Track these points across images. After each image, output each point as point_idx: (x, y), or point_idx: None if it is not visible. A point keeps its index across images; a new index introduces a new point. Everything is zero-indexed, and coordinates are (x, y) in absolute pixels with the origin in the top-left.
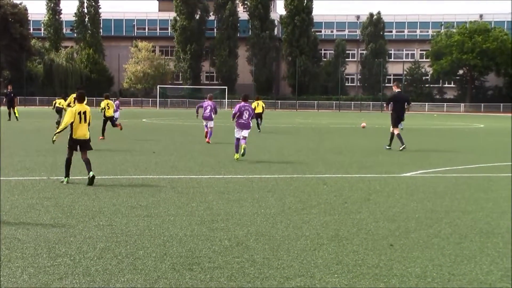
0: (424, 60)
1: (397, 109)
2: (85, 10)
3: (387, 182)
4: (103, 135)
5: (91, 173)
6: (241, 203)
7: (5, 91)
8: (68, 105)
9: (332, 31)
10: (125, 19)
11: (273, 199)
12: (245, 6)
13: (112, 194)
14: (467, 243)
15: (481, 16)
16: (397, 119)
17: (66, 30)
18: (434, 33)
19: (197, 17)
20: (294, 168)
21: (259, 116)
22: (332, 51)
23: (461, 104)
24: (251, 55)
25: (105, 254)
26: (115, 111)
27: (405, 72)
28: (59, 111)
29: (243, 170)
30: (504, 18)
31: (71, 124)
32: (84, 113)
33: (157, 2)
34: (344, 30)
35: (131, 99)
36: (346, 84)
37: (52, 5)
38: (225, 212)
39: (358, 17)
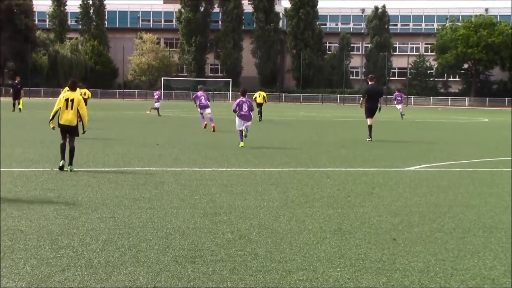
0: (429, 53)
1: (370, 101)
2: (90, 2)
3: (390, 176)
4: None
5: (69, 167)
6: (244, 196)
7: (12, 82)
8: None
9: (337, 24)
10: (130, 11)
11: (276, 192)
12: None
13: (115, 186)
14: (470, 237)
15: (486, 10)
16: (369, 111)
17: (71, 22)
18: (439, 27)
19: (202, 9)
20: (297, 161)
21: (260, 105)
22: (337, 44)
23: (466, 98)
24: (256, 48)
25: (107, 246)
26: (156, 101)
27: (409, 66)
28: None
29: (246, 163)
30: (509, 12)
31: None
32: (72, 100)
33: None
34: (349, 23)
35: (136, 91)
36: (351, 77)
37: None
38: (228, 205)
39: (363, 10)
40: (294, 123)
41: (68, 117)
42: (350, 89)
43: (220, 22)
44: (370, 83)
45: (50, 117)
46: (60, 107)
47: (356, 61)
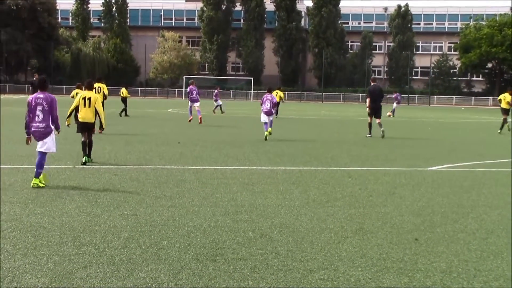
0: (452, 53)
1: (372, 100)
2: (113, 0)
3: (412, 176)
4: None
5: (85, 158)
6: (266, 194)
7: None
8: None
9: (359, 23)
10: (152, 9)
11: (297, 191)
12: None
13: (137, 184)
14: (493, 238)
15: (511, 8)
16: (372, 110)
17: (93, 20)
18: (463, 26)
19: (224, 7)
20: (318, 161)
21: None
22: (359, 43)
23: (489, 97)
24: (277, 46)
25: (129, 244)
26: (215, 99)
27: (432, 65)
28: (124, 100)
29: (267, 161)
30: None
31: (77, 108)
32: (89, 98)
33: None
34: (372, 22)
35: (157, 89)
36: (373, 76)
37: None
38: (249, 204)
39: (385, 9)
40: (315, 122)
41: (86, 115)
42: None
43: (242, 20)
44: (372, 84)
45: (67, 115)
46: (78, 105)
47: (378, 60)
